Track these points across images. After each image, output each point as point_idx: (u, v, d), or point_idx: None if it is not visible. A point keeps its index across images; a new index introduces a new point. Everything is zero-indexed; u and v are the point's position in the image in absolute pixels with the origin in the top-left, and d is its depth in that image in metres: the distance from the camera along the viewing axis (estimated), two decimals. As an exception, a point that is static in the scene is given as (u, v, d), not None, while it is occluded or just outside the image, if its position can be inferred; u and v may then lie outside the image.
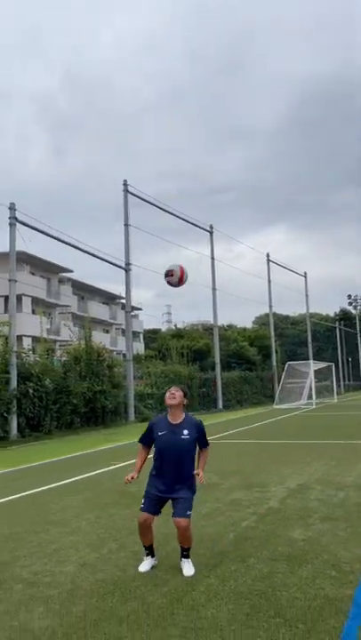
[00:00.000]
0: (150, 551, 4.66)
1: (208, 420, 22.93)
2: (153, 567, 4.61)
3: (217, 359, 31.93)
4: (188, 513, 4.49)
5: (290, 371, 36.35)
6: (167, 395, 4.67)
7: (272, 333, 40.72)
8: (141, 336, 55.64)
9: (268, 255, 39.91)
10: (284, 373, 36.27)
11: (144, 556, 4.69)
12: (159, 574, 4.47)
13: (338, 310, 77.37)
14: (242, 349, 41.57)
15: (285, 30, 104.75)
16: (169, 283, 7.02)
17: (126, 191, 24.69)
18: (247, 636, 3.35)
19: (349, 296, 68.93)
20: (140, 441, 4.81)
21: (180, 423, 4.60)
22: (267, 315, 43.78)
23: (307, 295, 46.99)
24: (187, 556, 4.56)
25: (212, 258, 32.29)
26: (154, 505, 4.55)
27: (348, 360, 68.80)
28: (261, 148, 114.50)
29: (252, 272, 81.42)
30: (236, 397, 34.15)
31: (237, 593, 4.03)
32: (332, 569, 4.47)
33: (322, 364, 39.92)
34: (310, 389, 35.38)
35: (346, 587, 4.08)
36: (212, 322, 33.92)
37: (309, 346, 46.96)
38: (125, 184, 24.70)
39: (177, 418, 4.61)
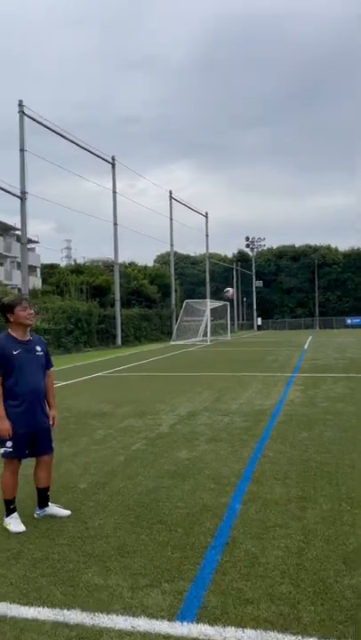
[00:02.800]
0: (14, 504, 3.99)
1: (106, 355, 23.18)
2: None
3: (117, 296, 31.91)
4: (53, 445, 4.19)
5: (188, 309, 37.37)
6: (23, 313, 3.97)
7: (172, 272, 41.27)
8: (38, 270, 53.67)
9: (170, 192, 39.75)
10: (182, 311, 37.22)
11: (7, 517, 3.93)
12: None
13: (236, 252, 79.90)
14: (142, 287, 41.75)
15: None
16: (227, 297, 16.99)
17: (22, 112, 23.01)
18: (131, 539, 3.64)
19: (247, 238, 71.13)
20: None
21: (29, 340, 4.08)
22: (168, 253, 44.10)
23: (207, 235, 47.84)
24: (48, 499, 4.18)
25: (114, 191, 31.52)
26: (23, 445, 3.95)
27: (242, 300, 71.99)
28: (171, 82, 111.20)
29: (155, 209, 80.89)
30: (135, 334, 34.63)
31: (124, 506, 4.31)
32: (212, 482, 4.91)
33: (218, 303, 41.42)
34: (206, 327, 36.76)
35: (222, 496, 4.52)
36: (112, 258, 33.55)
37: (207, 285, 48.36)
38: (21, 104, 22.97)
39: (26, 335, 4.07)
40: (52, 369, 4.26)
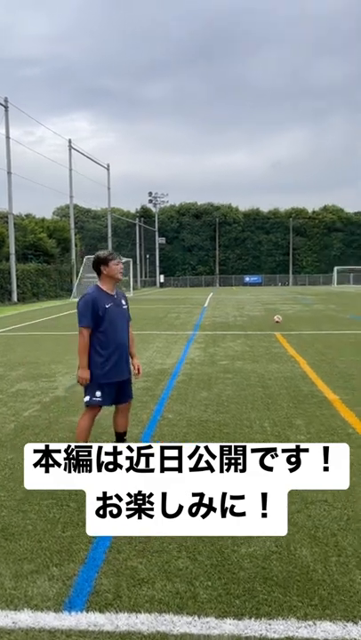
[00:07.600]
0: None
1: (1, 313, 21.93)
2: None
3: (12, 249, 30.13)
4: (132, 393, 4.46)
5: (89, 265, 36.28)
6: (117, 267, 4.10)
7: (72, 225, 39.80)
8: None
9: (70, 141, 37.86)
10: (82, 267, 36.17)
11: None
12: None
13: (139, 207, 78.75)
14: (40, 241, 39.75)
15: None
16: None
17: None
18: (17, 519, 3.32)
19: (150, 193, 70.18)
20: (86, 324, 3.99)
21: (115, 294, 4.20)
22: (67, 206, 42.28)
23: (109, 188, 46.49)
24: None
25: (7, 137, 29.28)
26: (111, 395, 4.13)
27: (145, 257, 71.63)
28: (71, 16, 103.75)
29: (54, 159, 76.97)
30: (33, 290, 33.16)
31: (12, 480, 3.97)
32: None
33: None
34: (108, 284, 36.10)
35: (119, 463, 4.31)
36: (6, 209, 31.40)
37: (109, 241, 47.34)
38: None
39: (113, 289, 4.18)
40: (131, 322, 4.40)
